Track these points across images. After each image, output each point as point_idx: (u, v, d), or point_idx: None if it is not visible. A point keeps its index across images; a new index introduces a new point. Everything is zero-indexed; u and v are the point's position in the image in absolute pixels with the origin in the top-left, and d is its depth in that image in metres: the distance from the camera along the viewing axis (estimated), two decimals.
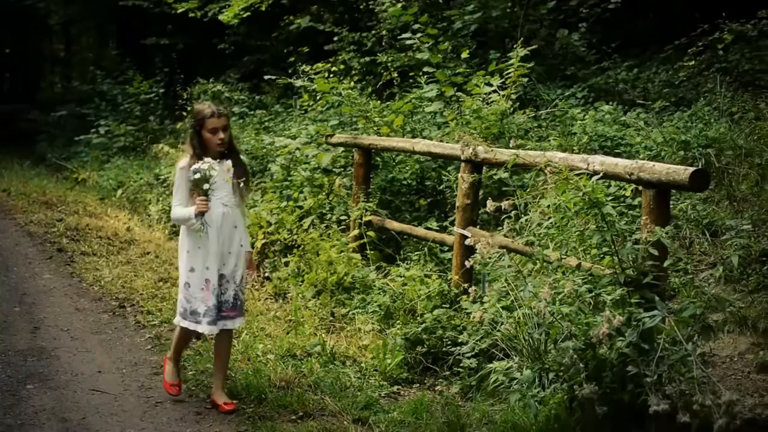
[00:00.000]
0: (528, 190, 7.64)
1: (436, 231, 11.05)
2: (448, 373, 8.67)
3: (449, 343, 8.80)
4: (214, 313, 7.73)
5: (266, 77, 20.77)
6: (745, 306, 8.96)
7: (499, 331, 7.94)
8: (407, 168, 12.66)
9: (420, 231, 11.13)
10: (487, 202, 7.55)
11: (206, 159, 7.56)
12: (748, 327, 8.79)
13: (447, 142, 11.21)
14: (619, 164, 7.42)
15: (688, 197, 10.97)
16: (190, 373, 8.74)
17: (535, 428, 6.92)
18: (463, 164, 9.65)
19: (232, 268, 7.85)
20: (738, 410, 5.64)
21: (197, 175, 7.50)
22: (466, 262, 7.86)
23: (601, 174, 7.39)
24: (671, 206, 10.63)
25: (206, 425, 7.53)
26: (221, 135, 7.69)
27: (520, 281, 7.74)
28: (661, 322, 6.25)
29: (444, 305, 9.36)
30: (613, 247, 6.95)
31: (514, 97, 13.30)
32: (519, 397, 7.13)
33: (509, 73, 13.30)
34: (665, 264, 6.77)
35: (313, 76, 16.41)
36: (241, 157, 8.25)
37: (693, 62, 16.74)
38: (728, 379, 8.23)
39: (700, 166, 11.60)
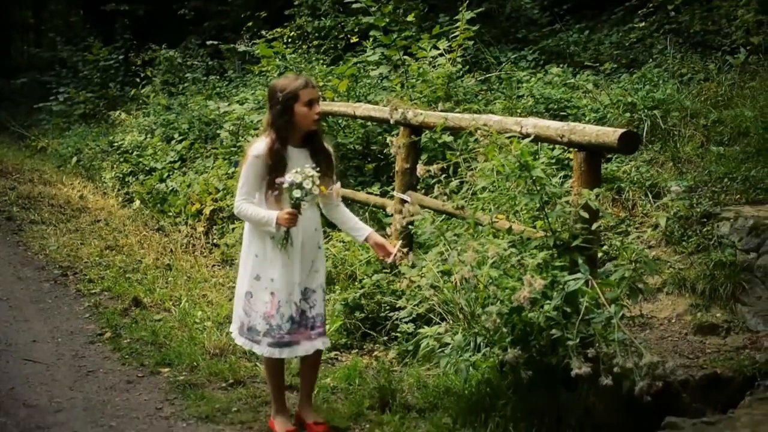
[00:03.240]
0: (458, 153, 7.53)
1: (378, 196, 10.97)
2: (386, 338, 8.63)
3: (388, 308, 8.76)
4: (277, 334, 6.51)
5: (209, 42, 20.61)
6: (684, 268, 8.96)
7: (435, 295, 7.89)
8: (352, 133, 12.57)
9: (362, 196, 11.05)
10: (418, 166, 7.47)
11: (306, 169, 6.31)
12: (687, 289, 8.80)
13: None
14: (551, 127, 7.35)
15: (632, 159, 10.94)
16: (125, 341, 8.66)
17: (467, 392, 6.90)
18: (402, 128, 9.58)
19: (320, 282, 6.80)
20: (659, 372, 5.61)
21: (297, 192, 6.28)
22: (399, 225, 7.76)
23: (532, 136, 7.33)
24: (617, 168, 10.69)
25: (136, 393, 7.48)
26: (318, 108, 6.59)
27: (459, 245, 7.69)
28: (586, 285, 6.20)
29: (384, 270, 9.30)
30: (543, 210, 6.90)
31: (460, 60, 13.20)
32: (451, 361, 7.10)
33: (455, 36, 13.21)
34: (595, 226, 6.70)
35: (270, 42, 16.27)
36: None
37: (644, 23, 16.71)
38: (666, 340, 8.26)
39: (645, 128, 11.61)
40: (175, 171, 15.27)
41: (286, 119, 6.46)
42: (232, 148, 13.84)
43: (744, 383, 7.31)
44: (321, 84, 13.26)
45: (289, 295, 6.51)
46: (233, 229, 12.08)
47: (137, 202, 15.10)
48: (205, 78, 20.65)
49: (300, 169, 6.29)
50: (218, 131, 15.26)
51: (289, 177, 6.28)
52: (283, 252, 6.46)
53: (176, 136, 16.92)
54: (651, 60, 15.13)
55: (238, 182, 6.62)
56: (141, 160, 16.57)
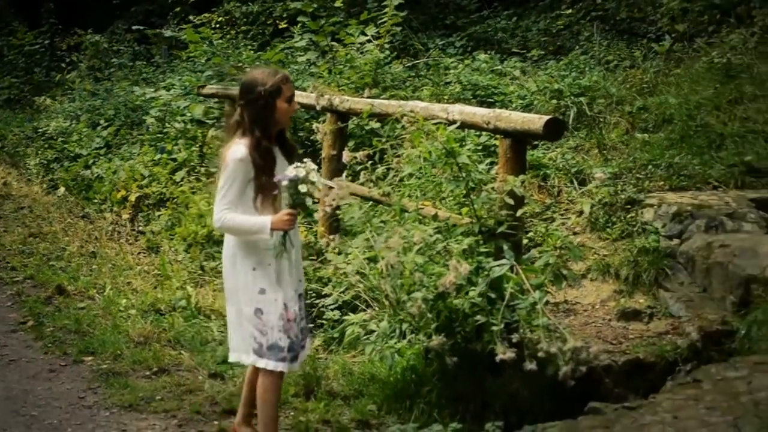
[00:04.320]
0: (385, 140, 7.54)
1: None
2: (312, 325, 8.59)
3: (314, 295, 8.71)
4: (297, 345, 5.98)
5: (135, 28, 20.44)
6: (608, 254, 9.03)
7: (361, 282, 7.89)
8: None
9: None
10: (344, 152, 7.46)
11: (305, 162, 5.84)
12: (611, 275, 8.87)
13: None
14: (477, 113, 7.37)
15: (558, 146, 11.00)
16: (48, 330, 8.57)
17: (392, 379, 6.90)
18: (328, 115, 9.56)
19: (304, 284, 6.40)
20: (583, 357, 5.64)
21: (303, 187, 5.77)
22: (325, 209, 7.72)
23: (459, 123, 7.34)
24: (543, 155, 10.75)
25: (58, 382, 7.39)
26: (296, 104, 6.17)
27: (385, 231, 7.68)
28: (511, 271, 6.22)
29: (311, 257, 9.25)
30: (468, 196, 6.91)
31: (388, 46, 13.20)
32: (377, 348, 7.11)
33: (383, 22, 13.20)
34: (520, 213, 6.72)
35: (197, 27, 16.14)
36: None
37: (570, 11, 16.84)
38: (589, 326, 8.31)
39: (571, 115, 11.69)
40: (101, 157, 15.11)
41: (268, 115, 5.90)
42: (159, 135, 13.75)
43: (666, 368, 7.39)
44: (248, 70, 13.19)
45: (296, 302, 6.02)
46: (159, 216, 11.98)
47: (62, 189, 14.92)
48: (131, 64, 20.48)
49: (299, 164, 5.78)
50: (144, 117, 15.14)
51: (290, 173, 5.73)
52: (280, 259, 5.91)
53: (102, 122, 16.75)
54: (578, 47, 15.27)
55: (218, 192, 5.85)
56: (66, 146, 16.38)
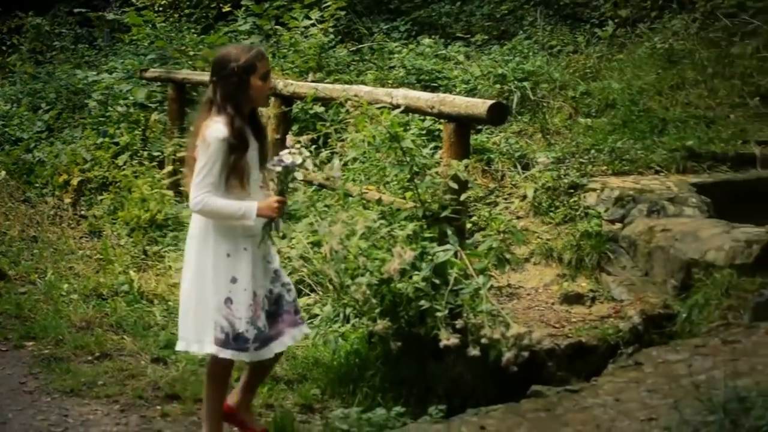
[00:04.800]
0: (329, 124, 7.53)
1: None
2: None
3: None
4: (261, 335, 5.68)
5: (77, 10, 20.23)
6: (552, 238, 9.09)
7: (305, 267, 7.88)
8: None
9: None
10: (288, 137, 7.43)
11: (298, 144, 5.77)
12: (554, 259, 8.93)
13: None
14: (421, 98, 7.39)
15: (502, 130, 11.05)
16: None
17: (336, 363, 6.91)
18: (272, 98, 9.54)
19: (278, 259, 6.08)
20: (525, 343, 5.68)
21: (299, 174, 5.68)
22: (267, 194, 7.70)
23: (403, 107, 7.35)
24: (487, 139, 10.79)
25: None
26: (271, 82, 6.01)
27: (329, 216, 7.68)
28: (455, 256, 6.25)
29: None
30: (413, 181, 6.93)
31: (332, 30, 13.19)
32: (321, 332, 7.12)
33: (328, 6, 13.17)
34: (464, 197, 6.75)
35: (140, 10, 16.00)
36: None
37: None
38: (533, 310, 8.36)
39: (515, 100, 11.73)
40: (42, 141, 14.92)
41: (242, 93, 5.57)
42: (101, 118, 13.62)
43: (608, 351, 7.46)
44: (191, 54, 13.14)
45: (264, 289, 5.74)
46: (101, 200, 11.89)
47: (2, 173, 14.71)
48: (73, 47, 20.23)
49: (294, 148, 5.66)
50: (86, 101, 14.99)
51: (286, 158, 5.57)
52: (264, 246, 5.68)
53: (43, 105, 16.56)
54: (521, 32, 15.33)
55: (197, 173, 5.49)
56: (7, 129, 16.14)
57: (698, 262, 8.01)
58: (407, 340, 6.44)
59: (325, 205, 7.87)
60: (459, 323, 5.91)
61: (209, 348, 5.59)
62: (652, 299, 8.08)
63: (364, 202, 7.41)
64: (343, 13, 13.70)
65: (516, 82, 12.15)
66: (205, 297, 5.58)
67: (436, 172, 6.88)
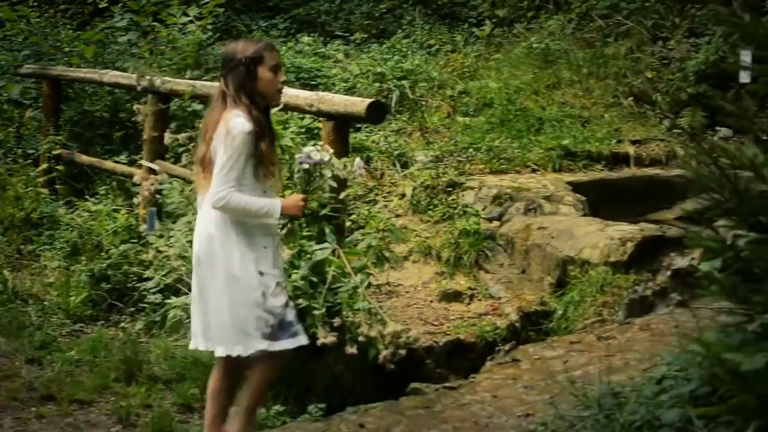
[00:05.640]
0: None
1: (125, 165, 10.76)
2: (133, 309, 8.48)
3: (135, 278, 8.59)
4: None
5: None
6: (430, 236, 9.14)
7: (184, 265, 7.80)
8: (99, 100, 12.28)
9: (109, 164, 10.83)
10: (165, 134, 7.36)
11: (323, 145, 5.68)
12: (432, 256, 8.98)
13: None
14: (301, 96, 7.37)
15: (381, 128, 11.08)
16: None
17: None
18: (150, 96, 9.44)
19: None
20: (403, 340, 5.71)
21: (328, 172, 5.66)
22: (147, 193, 7.61)
23: (282, 105, 7.31)
24: (366, 138, 10.81)
25: None
26: (283, 76, 5.59)
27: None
28: (333, 254, 6.25)
29: (132, 240, 9.13)
30: (292, 179, 6.90)
31: (210, 27, 13.07)
32: None
33: (206, 2, 13.06)
34: (343, 195, 6.75)
35: (14, 5, 15.65)
36: None
37: None
38: (411, 308, 8.40)
39: (393, 98, 11.77)
40: None
41: (252, 83, 5.36)
42: None
43: (485, 349, 7.54)
44: (67, 50, 12.92)
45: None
46: None
47: None
48: None
49: (317, 147, 5.61)
50: None
51: (315, 155, 5.56)
52: (291, 242, 5.73)
53: None
54: (400, 31, 15.39)
55: (220, 168, 5.23)
56: None
57: (574, 259, 8.14)
58: None
59: (188, 204, 7.80)
60: (337, 321, 5.92)
61: (259, 345, 5.29)
62: (529, 296, 8.19)
63: None
64: (221, 10, 13.56)
65: (395, 81, 12.20)
66: (239, 296, 5.32)
67: None
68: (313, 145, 5.60)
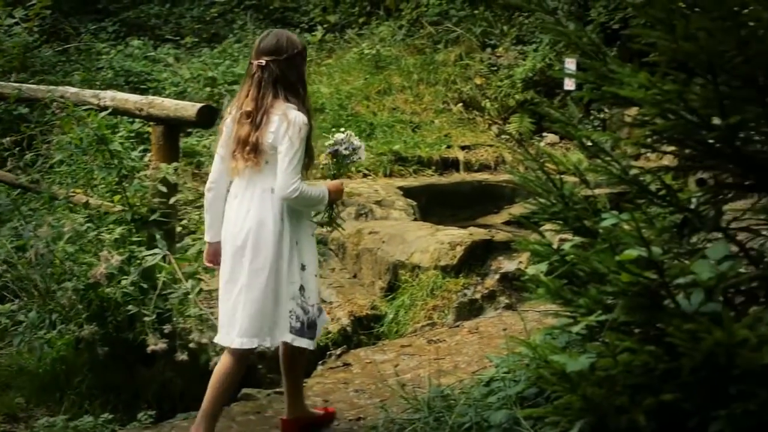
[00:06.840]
0: (33, 126, 7.35)
1: None
2: None
3: None
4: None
5: None
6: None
7: (9, 272, 7.64)
8: None
9: None
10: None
11: (343, 130, 5.51)
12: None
13: None
14: (130, 100, 7.29)
15: (212, 133, 11.01)
16: None
17: (41, 371, 6.72)
18: None
19: None
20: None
21: (356, 157, 5.51)
22: None
23: (111, 110, 7.24)
24: (197, 142, 10.74)
25: None
26: None
27: (34, 219, 7.49)
28: (163, 260, 6.21)
29: None
30: (121, 184, 6.84)
31: (37, 30, 12.83)
32: (25, 339, 6.91)
33: (33, 4, 12.81)
34: (173, 200, 6.70)
35: None
36: None
37: None
38: None
39: (225, 103, 11.71)
40: None
41: (304, 76, 5.34)
42: None
43: (317, 353, 7.53)
44: None
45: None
46: None
47: None
48: None
49: (341, 133, 5.50)
50: None
51: (354, 140, 5.48)
52: (336, 229, 5.72)
53: None
54: (231, 35, 15.36)
55: (289, 160, 5.10)
56: None
57: (405, 264, 8.23)
58: (115, 345, 6.36)
59: (30, 209, 7.65)
60: (167, 328, 5.89)
61: (285, 337, 5.21)
62: (360, 301, 8.24)
63: (71, 205, 7.26)
64: (48, 12, 13.32)
65: (226, 86, 12.17)
66: (280, 288, 5.22)
67: (145, 175, 6.80)
68: (343, 131, 5.48)
